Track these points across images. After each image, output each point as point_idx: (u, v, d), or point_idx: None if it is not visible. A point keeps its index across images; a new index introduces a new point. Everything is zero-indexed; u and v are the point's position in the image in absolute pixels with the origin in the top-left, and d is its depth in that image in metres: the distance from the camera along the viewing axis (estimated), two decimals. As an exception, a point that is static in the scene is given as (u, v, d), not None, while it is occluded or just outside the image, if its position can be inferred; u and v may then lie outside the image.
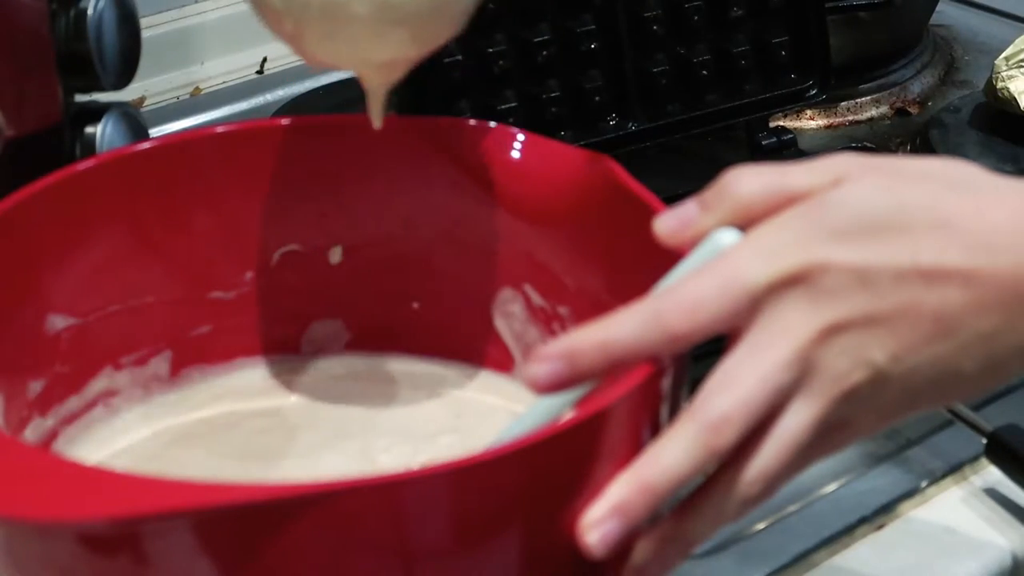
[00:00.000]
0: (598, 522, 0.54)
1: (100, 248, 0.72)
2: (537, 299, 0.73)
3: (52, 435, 0.71)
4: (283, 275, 0.75)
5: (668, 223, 0.59)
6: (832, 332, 0.55)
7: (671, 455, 0.54)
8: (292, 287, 0.75)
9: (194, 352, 0.75)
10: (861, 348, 0.55)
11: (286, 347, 0.76)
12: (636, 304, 0.55)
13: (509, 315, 0.74)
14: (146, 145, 0.73)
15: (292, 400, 0.75)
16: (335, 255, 0.75)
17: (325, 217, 0.74)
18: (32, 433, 0.70)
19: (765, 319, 0.55)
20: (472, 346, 0.75)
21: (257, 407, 0.74)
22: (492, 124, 0.71)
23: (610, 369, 0.55)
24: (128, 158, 0.72)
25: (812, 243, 0.55)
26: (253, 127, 0.75)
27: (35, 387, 0.70)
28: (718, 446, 0.54)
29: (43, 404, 0.70)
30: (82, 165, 0.71)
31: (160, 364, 0.75)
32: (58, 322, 0.71)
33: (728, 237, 0.56)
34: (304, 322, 0.76)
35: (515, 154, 0.70)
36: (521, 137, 0.69)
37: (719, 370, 0.55)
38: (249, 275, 0.75)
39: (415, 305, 0.75)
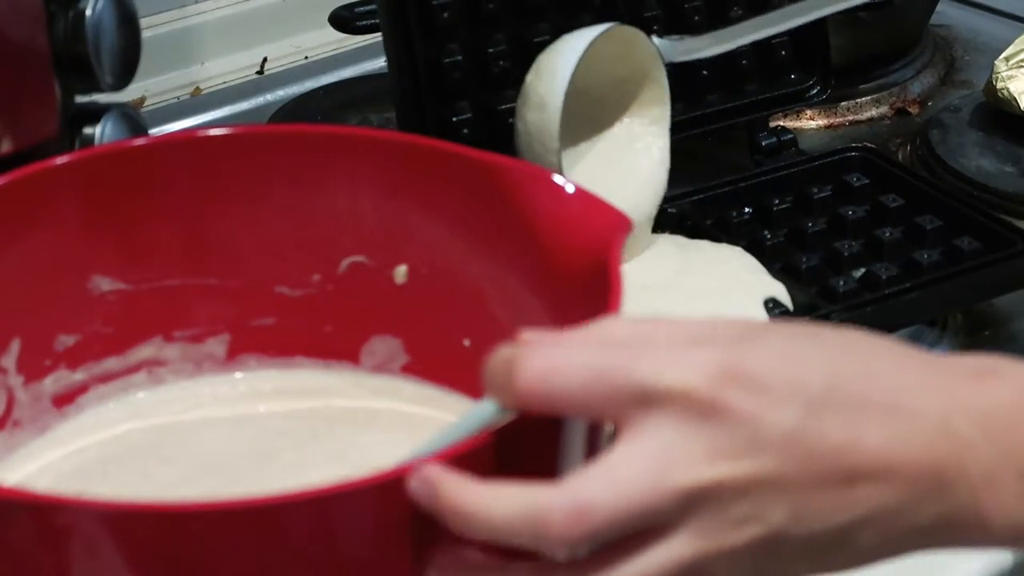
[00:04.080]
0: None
1: (163, 220, 0.73)
2: None
3: (80, 390, 0.73)
4: (349, 284, 0.76)
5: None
6: (740, 483, 0.51)
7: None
8: (356, 297, 0.76)
9: (253, 341, 0.76)
10: (763, 504, 0.51)
11: (345, 355, 0.77)
12: (531, 490, 0.51)
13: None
14: (230, 131, 0.74)
15: (336, 404, 0.75)
16: (399, 275, 0.75)
17: (393, 236, 0.74)
18: (53, 384, 0.72)
19: (667, 431, 0.51)
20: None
21: (294, 407, 0.75)
22: (553, 175, 0.70)
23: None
24: (207, 140, 0.73)
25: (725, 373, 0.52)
26: (346, 133, 0.76)
27: (66, 340, 0.72)
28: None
29: (73, 358, 0.73)
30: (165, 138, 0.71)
31: (216, 346, 0.76)
32: (104, 284, 0.73)
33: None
34: (364, 334, 0.77)
35: (565, 207, 0.69)
36: (570, 189, 0.68)
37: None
38: (316, 277, 0.76)
39: (466, 343, 0.74)
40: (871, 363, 0.54)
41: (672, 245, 0.97)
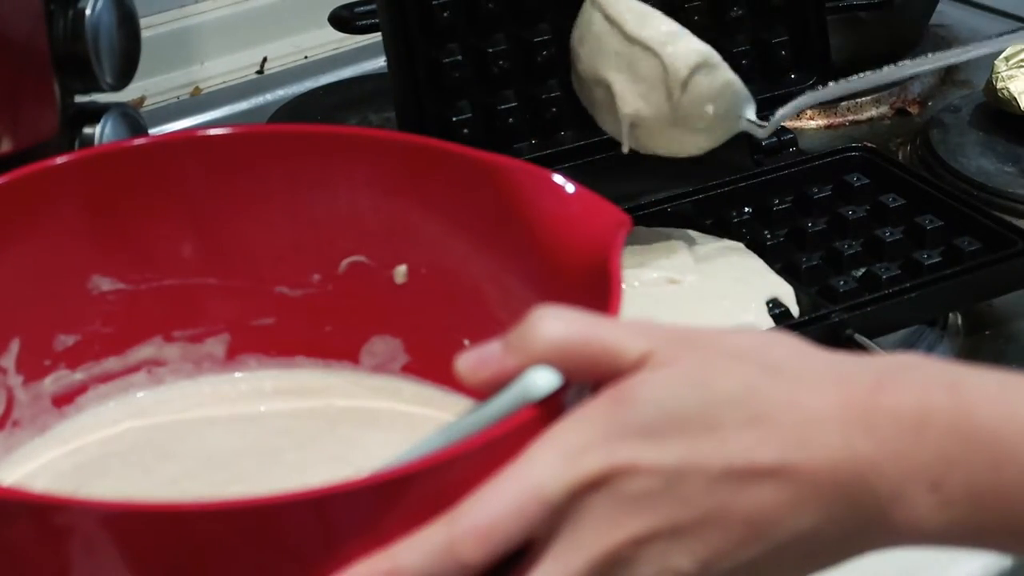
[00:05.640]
0: None
1: (163, 220, 0.73)
2: None
3: (79, 390, 0.74)
4: (348, 284, 0.76)
5: (469, 361, 0.56)
6: (635, 544, 0.53)
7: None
8: (356, 297, 0.76)
9: (253, 341, 0.76)
10: (666, 557, 0.53)
11: (345, 355, 0.77)
12: (429, 529, 0.53)
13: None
14: (230, 131, 0.74)
15: (336, 404, 0.75)
16: (399, 275, 0.75)
17: (393, 236, 0.74)
18: (52, 384, 0.73)
19: (566, 528, 0.53)
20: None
21: (295, 407, 0.75)
22: (553, 175, 0.70)
23: None
24: (206, 140, 0.73)
25: (616, 442, 0.53)
26: (346, 133, 0.76)
27: (65, 340, 0.73)
28: None
29: (73, 358, 0.73)
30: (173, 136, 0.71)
31: (216, 346, 0.76)
32: (103, 284, 0.73)
33: (543, 378, 0.54)
34: (364, 334, 0.77)
35: (565, 207, 0.69)
36: (571, 189, 0.68)
37: None
38: (316, 277, 0.76)
39: (466, 343, 0.74)
40: (765, 396, 0.54)
41: (682, 239, 0.97)
